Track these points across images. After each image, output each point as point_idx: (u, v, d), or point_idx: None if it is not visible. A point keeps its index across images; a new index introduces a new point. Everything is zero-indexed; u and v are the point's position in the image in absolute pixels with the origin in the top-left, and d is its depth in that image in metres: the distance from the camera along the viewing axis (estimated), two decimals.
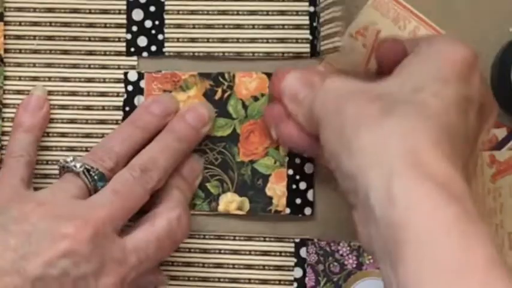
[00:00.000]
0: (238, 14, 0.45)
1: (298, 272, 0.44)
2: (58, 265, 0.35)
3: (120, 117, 0.45)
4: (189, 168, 0.43)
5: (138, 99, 0.45)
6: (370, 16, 0.44)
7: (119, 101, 0.45)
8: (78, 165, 0.39)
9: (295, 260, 0.44)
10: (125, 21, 0.45)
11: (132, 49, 0.45)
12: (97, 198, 0.38)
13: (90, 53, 0.45)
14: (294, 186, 0.44)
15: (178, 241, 0.40)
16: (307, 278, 0.44)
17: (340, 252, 0.43)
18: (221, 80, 0.44)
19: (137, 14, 0.45)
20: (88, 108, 0.45)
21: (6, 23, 0.45)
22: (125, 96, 0.45)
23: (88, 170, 0.39)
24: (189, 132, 0.42)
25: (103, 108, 0.45)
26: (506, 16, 0.45)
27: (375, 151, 0.31)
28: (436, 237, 0.28)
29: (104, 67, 0.45)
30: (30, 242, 0.35)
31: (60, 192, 0.38)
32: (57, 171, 0.41)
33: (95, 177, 0.39)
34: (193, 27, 0.45)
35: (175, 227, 0.39)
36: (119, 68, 0.45)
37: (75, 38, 0.45)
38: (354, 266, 0.44)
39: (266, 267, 0.44)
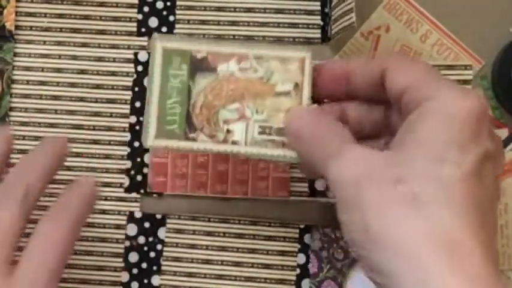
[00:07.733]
0: None
1: (301, 258, 0.44)
2: None
3: (129, 97, 0.45)
4: None
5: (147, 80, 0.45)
6: (383, 17, 0.44)
7: (129, 81, 0.45)
8: None
9: (299, 245, 0.44)
10: (136, 1, 0.45)
11: (143, 29, 0.45)
12: None
13: (101, 32, 0.45)
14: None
15: None
16: (310, 264, 0.44)
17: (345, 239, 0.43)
18: None
19: None
20: (97, 87, 0.45)
21: (18, 0, 0.45)
22: (135, 76, 0.45)
23: None
24: None
25: (112, 87, 0.45)
26: (506, 16, 0.45)
27: (407, 253, 0.29)
28: None
29: (114, 47, 0.45)
30: None
31: None
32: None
33: None
34: (205, 9, 0.45)
35: None
36: (129, 48, 0.45)
37: (86, 17, 0.45)
38: None
39: (270, 252, 0.44)
